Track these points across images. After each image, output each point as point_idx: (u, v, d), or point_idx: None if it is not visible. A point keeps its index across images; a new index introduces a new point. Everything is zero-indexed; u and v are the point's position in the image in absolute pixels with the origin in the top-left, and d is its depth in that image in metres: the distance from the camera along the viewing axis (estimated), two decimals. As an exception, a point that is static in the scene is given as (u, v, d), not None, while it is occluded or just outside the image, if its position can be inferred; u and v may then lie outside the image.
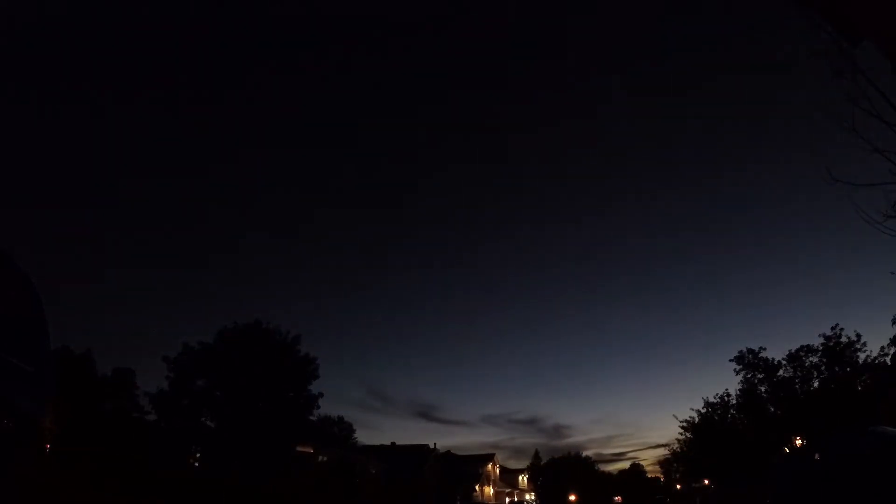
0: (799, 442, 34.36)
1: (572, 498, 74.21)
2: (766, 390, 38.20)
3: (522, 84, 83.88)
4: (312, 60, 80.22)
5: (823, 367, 35.50)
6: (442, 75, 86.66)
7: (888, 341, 32.27)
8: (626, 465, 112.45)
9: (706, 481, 56.38)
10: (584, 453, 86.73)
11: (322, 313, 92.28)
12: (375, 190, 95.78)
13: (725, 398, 42.05)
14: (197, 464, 30.85)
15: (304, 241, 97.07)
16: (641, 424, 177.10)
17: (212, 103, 78.10)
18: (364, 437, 61.62)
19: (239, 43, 74.97)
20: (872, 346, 33.75)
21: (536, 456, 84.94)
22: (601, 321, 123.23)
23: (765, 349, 38.30)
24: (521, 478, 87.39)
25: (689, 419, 46.06)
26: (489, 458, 75.95)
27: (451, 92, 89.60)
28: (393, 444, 60.36)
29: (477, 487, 67.24)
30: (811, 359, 35.96)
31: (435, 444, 62.81)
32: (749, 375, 38.50)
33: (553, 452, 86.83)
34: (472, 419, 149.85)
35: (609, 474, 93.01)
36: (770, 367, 37.66)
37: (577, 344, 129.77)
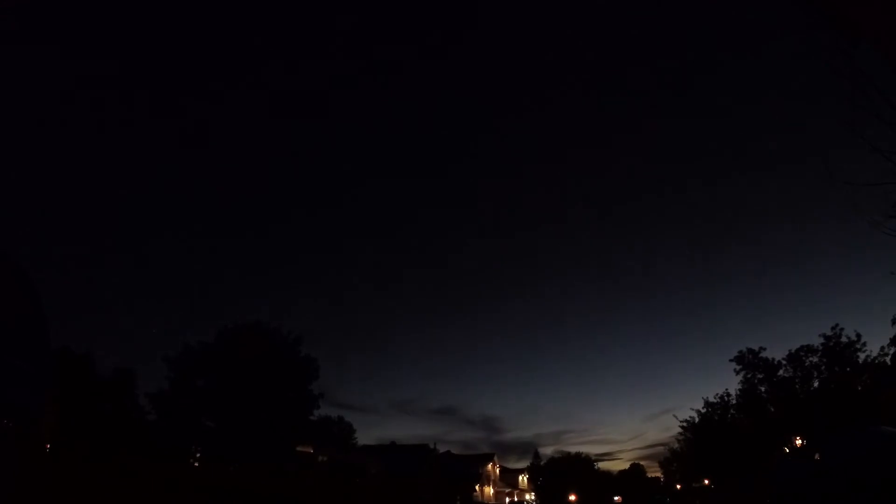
0: (799, 442, 34.39)
1: (572, 498, 74.19)
2: (766, 390, 38.21)
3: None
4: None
5: (823, 367, 35.52)
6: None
7: (888, 341, 32.36)
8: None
9: (706, 481, 56.41)
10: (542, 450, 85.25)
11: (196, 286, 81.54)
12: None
13: (725, 398, 42.12)
14: (197, 464, 30.85)
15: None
16: (596, 420, 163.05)
17: (210, 98, 78.17)
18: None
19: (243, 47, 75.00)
20: (872, 346, 33.86)
21: (536, 455, 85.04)
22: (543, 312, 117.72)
23: (765, 349, 38.39)
24: (521, 478, 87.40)
25: (689, 419, 46.19)
26: (489, 457, 76.04)
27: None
28: (393, 443, 60.59)
29: (477, 487, 67.25)
30: (811, 359, 36.00)
31: (435, 444, 63.01)
32: (749, 375, 38.52)
33: (496, 447, 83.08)
34: (380, 406, 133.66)
35: (609, 474, 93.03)
36: (770, 367, 37.68)
37: (505, 333, 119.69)
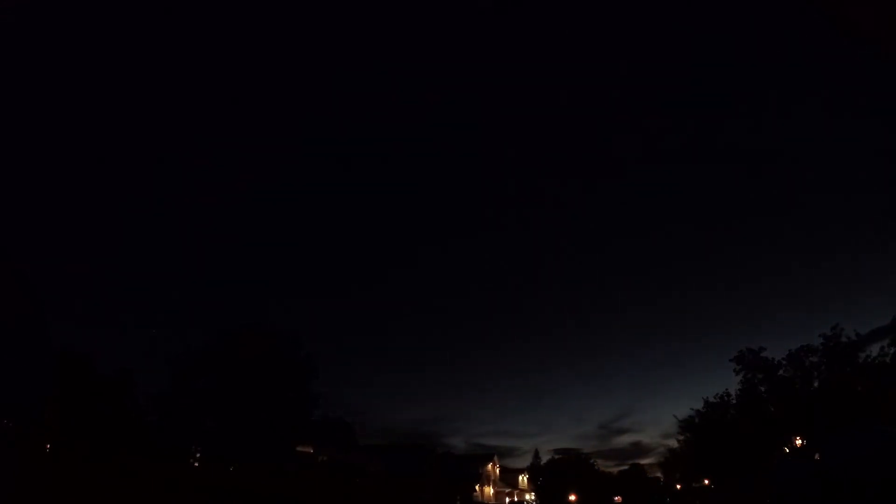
0: (799, 442, 34.42)
1: (572, 498, 74.20)
2: (766, 390, 38.17)
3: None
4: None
5: (823, 367, 35.49)
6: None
7: (888, 341, 32.36)
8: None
9: (706, 481, 56.43)
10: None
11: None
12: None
13: (725, 398, 42.08)
14: (197, 464, 30.85)
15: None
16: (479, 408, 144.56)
17: (209, 99, 78.19)
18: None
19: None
20: (872, 345, 33.85)
21: (536, 455, 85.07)
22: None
23: (765, 349, 38.32)
24: (521, 478, 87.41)
25: (689, 419, 46.21)
26: (489, 457, 76.05)
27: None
28: (393, 443, 60.51)
29: (477, 487, 67.26)
30: (811, 359, 35.95)
31: (434, 444, 63.03)
32: (749, 375, 38.45)
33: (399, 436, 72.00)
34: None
35: (609, 474, 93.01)
36: (770, 367, 37.63)
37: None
